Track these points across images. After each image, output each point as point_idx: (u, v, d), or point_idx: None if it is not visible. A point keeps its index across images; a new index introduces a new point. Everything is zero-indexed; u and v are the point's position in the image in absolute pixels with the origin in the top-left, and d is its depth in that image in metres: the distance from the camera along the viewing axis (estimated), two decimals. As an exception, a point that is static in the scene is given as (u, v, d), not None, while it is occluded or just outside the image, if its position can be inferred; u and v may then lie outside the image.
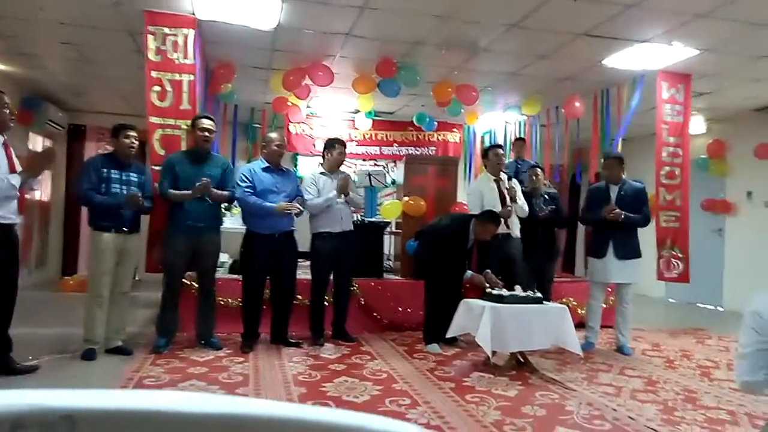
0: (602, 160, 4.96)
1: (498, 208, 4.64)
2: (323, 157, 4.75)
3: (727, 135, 7.59)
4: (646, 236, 5.17)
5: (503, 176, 4.85)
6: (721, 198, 7.67)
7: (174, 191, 4.06)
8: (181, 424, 0.40)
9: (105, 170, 3.92)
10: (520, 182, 5.10)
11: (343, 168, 4.83)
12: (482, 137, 8.38)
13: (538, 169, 5.25)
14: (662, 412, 3.13)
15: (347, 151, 4.95)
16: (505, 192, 4.70)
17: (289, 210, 4.24)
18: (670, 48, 4.99)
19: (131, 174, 4.01)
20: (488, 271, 4.33)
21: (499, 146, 5.00)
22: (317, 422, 0.43)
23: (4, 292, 3.33)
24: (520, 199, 4.77)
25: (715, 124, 7.69)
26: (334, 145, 4.67)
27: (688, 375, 4.00)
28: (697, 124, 7.42)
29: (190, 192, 4.00)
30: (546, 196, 5.17)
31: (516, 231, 4.75)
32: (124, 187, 3.95)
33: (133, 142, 4.04)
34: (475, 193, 4.90)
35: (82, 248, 7.81)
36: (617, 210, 4.51)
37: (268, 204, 4.23)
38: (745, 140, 7.22)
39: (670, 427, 2.89)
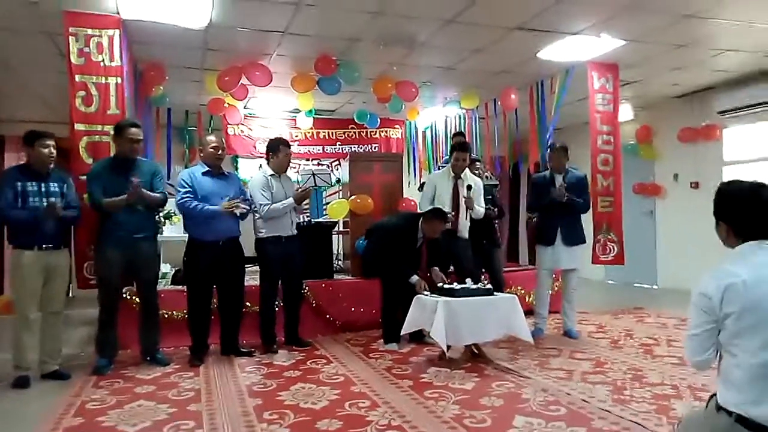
0: (548, 150, 5.09)
1: (448, 206, 4.66)
2: (267, 159, 4.61)
3: (653, 121, 8.00)
4: (583, 222, 5.37)
5: (466, 180, 4.74)
6: (651, 181, 8.08)
7: (108, 199, 3.80)
8: None
9: (20, 183, 3.60)
10: None
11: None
12: (423, 132, 8.45)
13: (477, 163, 5.33)
14: (612, 392, 3.24)
15: None
16: (462, 197, 4.66)
17: (234, 208, 4.07)
18: (599, 39, 5.19)
19: (51, 184, 3.71)
20: (435, 268, 4.33)
21: (463, 149, 4.83)
22: None
23: None
24: (479, 206, 4.76)
25: (642, 111, 8.09)
26: (278, 146, 4.54)
27: (633, 354, 4.17)
28: (625, 112, 7.76)
29: (125, 197, 3.77)
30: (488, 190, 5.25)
31: (465, 233, 4.77)
32: (44, 199, 3.64)
33: (51, 152, 3.72)
34: (430, 185, 4.90)
35: (6, 266, 7.27)
36: (563, 191, 4.65)
37: (211, 207, 4.06)
38: (670, 125, 7.63)
39: (621, 406, 3.00)
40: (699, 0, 4.32)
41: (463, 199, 4.66)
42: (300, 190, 4.50)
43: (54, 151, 3.75)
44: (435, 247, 4.53)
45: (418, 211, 4.96)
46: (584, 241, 4.89)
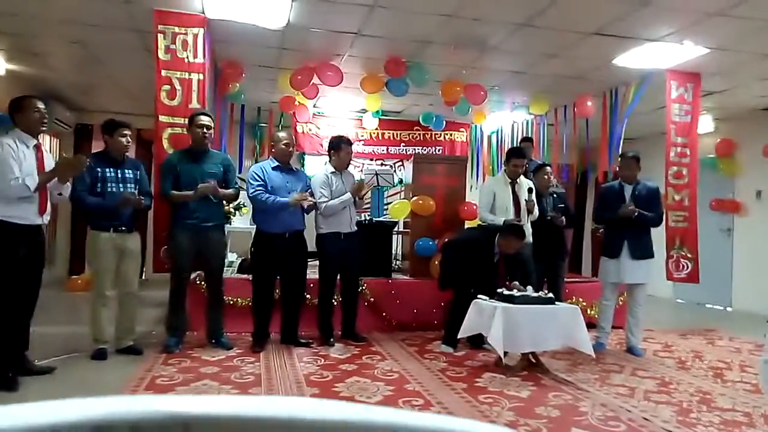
0: (618, 159, 4.93)
1: (510, 211, 4.62)
2: (329, 156, 4.72)
3: (735, 134, 7.55)
4: (655, 236, 5.14)
5: (524, 184, 4.72)
6: (730, 198, 7.63)
7: (176, 192, 4.04)
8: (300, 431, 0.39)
9: (99, 170, 3.88)
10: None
11: (350, 168, 4.82)
12: (489, 137, 8.37)
13: (548, 168, 5.23)
14: (677, 413, 3.10)
15: (354, 150, 4.93)
16: (524, 200, 4.63)
17: (303, 201, 4.20)
18: (681, 47, 4.97)
19: (126, 171, 3.97)
20: (515, 282, 4.20)
21: (521, 155, 4.83)
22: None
23: (27, 292, 3.34)
24: (536, 208, 4.73)
25: (724, 123, 7.65)
26: (340, 144, 4.64)
27: (701, 376, 3.97)
28: (706, 123, 7.38)
29: (191, 193, 3.98)
30: (555, 196, 5.15)
31: (529, 237, 4.69)
32: (120, 185, 3.91)
33: (128, 140, 4.01)
34: (487, 192, 4.86)
35: (87, 247, 7.80)
36: (632, 206, 4.49)
37: (282, 198, 4.22)
38: (754, 139, 7.17)
39: (686, 428, 2.87)
40: (795, 6, 4.06)
41: (524, 203, 4.59)
42: (356, 183, 4.54)
43: (130, 140, 4.03)
44: (512, 262, 4.46)
45: (479, 218, 4.93)
46: (652, 256, 4.68)
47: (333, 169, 4.63)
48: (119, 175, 3.93)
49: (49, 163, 3.46)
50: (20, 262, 3.23)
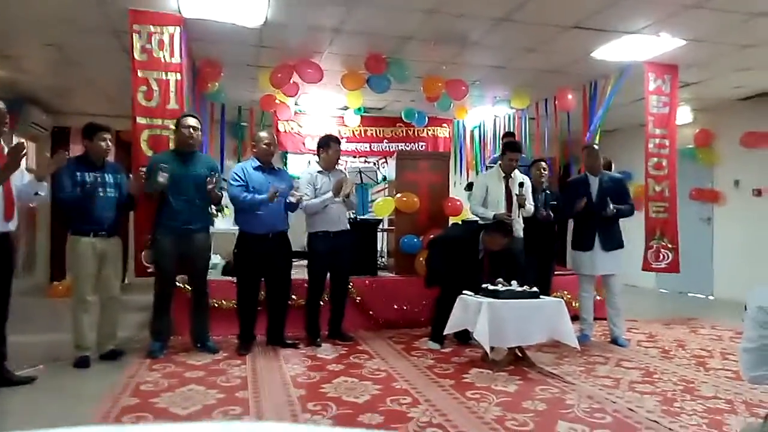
0: (582, 151, 4.94)
1: (502, 206, 4.61)
2: (318, 155, 4.69)
3: (713, 124, 7.66)
4: (634, 227, 5.19)
5: (517, 179, 4.68)
6: (709, 187, 7.74)
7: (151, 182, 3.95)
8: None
9: (79, 174, 3.81)
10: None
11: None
12: (472, 131, 8.39)
13: (542, 163, 5.23)
14: (662, 403, 3.14)
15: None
16: (515, 195, 4.60)
17: (278, 193, 4.11)
18: (658, 39, 5.01)
19: (106, 175, 3.91)
20: (499, 279, 4.18)
21: (516, 149, 4.77)
22: None
23: None
24: (529, 203, 4.68)
25: (702, 113, 7.76)
26: (329, 143, 4.62)
27: (684, 365, 4.03)
28: (684, 114, 7.47)
29: (161, 180, 3.88)
30: (548, 192, 5.14)
31: (520, 232, 4.69)
32: (100, 189, 3.84)
33: (108, 144, 3.94)
34: (480, 186, 4.83)
35: (67, 252, 7.68)
36: (611, 207, 4.53)
37: (260, 196, 4.17)
38: (732, 129, 7.28)
39: (670, 418, 2.91)
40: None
41: (516, 197, 4.58)
42: (335, 182, 4.48)
43: (111, 144, 3.95)
44: (497, 259, 4.45)
45: (471, 211, 4.92)
46: (622, 246, 4.74)
47: (320, 168, 4.60)
48: (99, 179, 3.86)
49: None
50: None
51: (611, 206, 4.53)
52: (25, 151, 3.33)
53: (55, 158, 3.55)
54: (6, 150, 3.33)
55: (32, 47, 5.36)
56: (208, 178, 4.01)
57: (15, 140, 7.11)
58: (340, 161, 5.01)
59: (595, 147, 4.84)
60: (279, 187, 4.22)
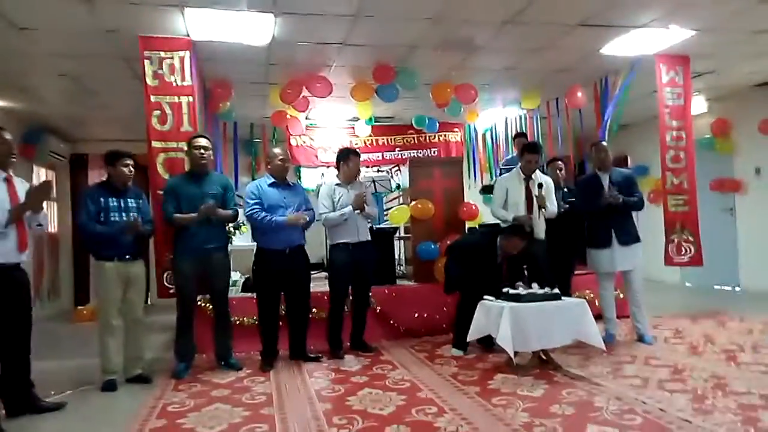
0: (591, 149, 4.87)
1: (522, 208, 4.56)
2: (337, 168, 4.72)
3: (729, 113, 7.53)
4: (654, 221, 5.10)
5: (537, 180, 4.60)
6: (729, 177, 7.61)
7: (179, 215, 4.04)
8: None
9: (102, 199, 3.87)
10: None
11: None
12: (483, 134, 8.37)
13: (560, 162, 5.18)
14: (693, 401, 3.08)
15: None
16: (534, 196, 4.53)
17: (299, 221, 4.20)
18: (667, 31, 4.96)
19: (129, 200, 3.97)
20: (519, 283, 4.10)
21: (534, 150, 4.67)
22: None
23: (17, 334, 3.26)
24: (552, 204, 4.61)
25: (717, 102, 7.64)
26: (348, 156, 4.65)
27: (714, 361, 3.94)
28: (699, 104, 7.37)
29: (195, 215, 3.99)
30: (566, 190, 5.07)
31: (541, 234, 4.61)
32: (123, 214, 3.90)
33: (131, 170, 3.99)
34: (500, 187, 4.78)
35: (92, 278, 7.83)
36: (616, 193, 4.48)
37: (278, 218, 4.22)
38: (749, 117, 7.16)
39: (702, 416, 2.84)
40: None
41: (535, 199, 4.52)
42: (355, 197, 4.51)
43: (132, 170, 4.01)
44: (515, 262, 4.40)
45: (491, 213, 4.88)
46: (639, 240, 4.65)
47: (339, 181, 4.64)
48: (122, 205, 3.92)
49: (23, 195, 3.29)
50: (1, 304, 3.14)
51: (617, 194, 4.47)
52: (51, 193, 3.36)
53: (40, 188, 3.41)
54: (22, 182, 3.36)
55: (47, 78, 5.50)
56: (206, 206, 3.98)
57: (35, 170, 7.32)
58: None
59: (603, 143, 4.78)
60: (294, 205, 4.27)
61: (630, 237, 4.60)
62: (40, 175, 7.57)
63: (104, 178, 4.06)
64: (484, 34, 4.92)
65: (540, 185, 4.52)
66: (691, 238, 5.67)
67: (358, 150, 4.94)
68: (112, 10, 4.06)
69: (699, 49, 5.47)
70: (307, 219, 4.29)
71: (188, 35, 4.55)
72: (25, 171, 6.81)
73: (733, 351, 4.17)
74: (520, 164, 4.72)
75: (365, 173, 7.56)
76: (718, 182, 7.62)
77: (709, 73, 6.38)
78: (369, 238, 4.69)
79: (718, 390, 3.25)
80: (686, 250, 5.72)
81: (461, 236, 5.16)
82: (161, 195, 4.26)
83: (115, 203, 3.90)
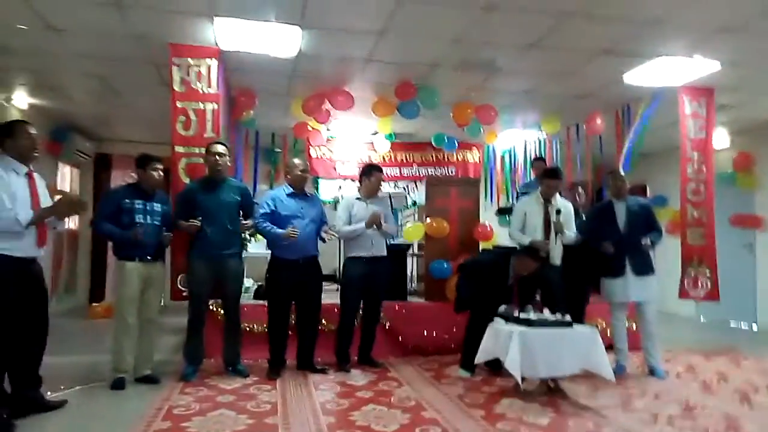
0: (608, 177, 4.83)
1: (540, 232, 4.53)
2: (360, 182, 4.77)
3: (752, 148, 7.44)
4: (670, 253, 5.03)
5: (557, 205, 4.56)
6: (750, 213, 7.49)
7: (183, 222, 4.09)
8: None
9: (128, 201, 3.95)
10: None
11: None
12: (502, 156, 8.36)
13: (579, 188, 5.15)
14: (702, 439, 3.02)
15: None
16: (552, 222, 4.50)
17: (292, 236, 4.19)
18: (692, 62, 4.94)
19: (155, 204, 4.06)
20: (529, 306, 4.09)
21: (555, 176, 4.63)
22: None
23: (32, 329, 3.28)
24: (569, 230, 4.57)
25: (740, 137, 7.55)
26: (371, 171, 4.70)
27: (728, 399, 3.86)
28: (721, 138, 7.30)
29: (196, 223, 4.04)
30: (584, 217, 5.02)
31: (557, 260, 4.56)
32: (148, 216, 3.99)
33: (160, 174, 4.10)
34: (518, 211, 4.76)
35: (109, 275, 7.94)
36: (647, 242, 4.46)
37: (278, 230, 4.25)
38: (773, 153, 7.07)
39: (712, 456, 2.79)
40: (808, 21, 4.03)
41: (553, 224, 4.48)
42: (370, 216, 4.52)
43: (162, 174, 4.10)
44: (527, 285, 4.38)
45: (509, 236, 4.86)
46: (653, 271, 4.60)
47: (359, 195, 4.68)
48: (148, 208, 4.01)
49: (43, 191, 3.36)
50: (19, 298, 3.14)
51: (647, 242, 4.45)
52: (83, 211, 3.52)
53: (76, 204, 3.53)
54: (40, 178, 3.40)
55: (76, 79, 5.63)
56: (243, 223, 4.23)
57: (60, 167, 7.47)
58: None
59: (620, 172, 4.74)
60: (312, 214, 4.32)
61: (645, 267, 4.55)
62: (64, 172, 7.72)
63: (133, 180, 4.15)
64: (507, 57, 4.95)
65: (558, 211, 4.49)
66: (708, 273, 5.59)
67: (380, 166, 4.96)
68: (144, 17, 4.16)
69: (724, 82, 5.44)
70: (297, 233, 4.24)
71: (216, 44, 4.64)
72: (50, 167, 6.96)
73: (748, 391, 4.08)
74: (540, 189, 4.71)
75: (382, 188, 7.60)
76: (739, 218, 7.50)
77: (733, 107, 6.33)
78: (384, 253, 4.69)
79: (730, 430, 3.18)
80: (702, 285, 5.63)
81: (474, 255, 5.14)
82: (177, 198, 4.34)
83: (141, 206, 3.99)
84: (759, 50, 4.63)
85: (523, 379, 3.73)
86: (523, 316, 3.93)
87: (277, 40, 4.56)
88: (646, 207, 4.74)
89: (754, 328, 7.27)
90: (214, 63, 4.68)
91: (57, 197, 3.62)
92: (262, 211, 4.34)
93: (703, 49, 4.65)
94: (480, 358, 4.08)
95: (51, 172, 7.05)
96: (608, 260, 4.62)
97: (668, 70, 5.11)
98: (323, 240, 4.45)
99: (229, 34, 4.46)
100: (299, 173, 4.43)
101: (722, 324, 7.53)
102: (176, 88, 4.61)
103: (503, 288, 4.40)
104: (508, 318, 4.03)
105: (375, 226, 4.49)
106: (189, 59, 4.63)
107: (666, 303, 5.60)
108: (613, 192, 4.70)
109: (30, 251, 3.23)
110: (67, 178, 7.88)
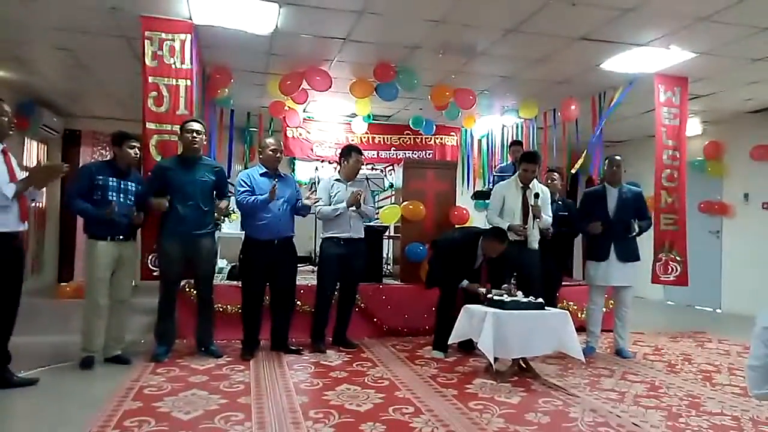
0: (606, 163, 4.91)
1: (518, 217, 4.55)
2: (339, 164, 4.73)
3: (723, 137, 7.62)
4: (643, 239, 5.12)
5: (535, 189, 4.56)
6: (718, 200, 7.69)
7: (154, 199, 4.00)
8: None
9: (101, 177, 3.86)
10: None
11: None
12: (479, 140, 8.39)
13: (555, 174, 5.19)
14: (667, 418, 3.11)
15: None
16: (530, 206, 4.51)
17: (273, 195, 4.15)
18: (667, 51, 5.00)
19: (129, 183, 3.97)
20: (505, 286, 4.17)
21: (533, 160, 4.64)
22: None
23: (5, 304, 3.26)
24: (546, 215, 4.59)
25: (711, 126, 7.73)
26: (350, 152, 4.66)
27: (691, 380, 3.99)
28: (693, 126, 7.45)
29: (164, 201, 3.96)
30: (559, 202, 5.05)
31: (534, 243, 4.57)
32: (121, 195, 3.90)
33: (136, 153, 4.02)
34: (497, 195, 4.77)
35: (78, 254, 7.77)
36: (635, 228, 4.57)
37: (262, 196, 4.19)
38: (742, 142, 7.26)
39: (675, 433, 2.88)
40: (780, 12, 4.10)
41: (531, 208, 4.51)
42: (351, 194, 4.52)
43: (138, 153, 4.00)
44: (495, 266, 4.41)
45: (487, 220, 4.89)
46: (638, 258, 4.71)
47: (338, 177, 4.65)
48: (122, 186, 3.92)
49: (17, 168, 3.32)
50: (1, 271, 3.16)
51: (635, 227, 4.56)
52: (62, 174, 3.43)
53: (54, 169, 3.49)
54: (18, 158, 3.35)
55: (45, 51, 5.43)
56: (218, 206, 4.19)
57: (26, 142, 7.23)
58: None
59: (617, 158, 4.77)
60: (286, 194, 4.26)
61: (630, 254, 4.64)
62: (31, 148, 7.48)
63: (109, 157, 4.05)
64: (487, 41, 4.93)
65: (537, 195, 4.52)
66: (678, 258, 5.73)
67: (360, 148, 4.92)
68: (116, -13, 4.02)
69: (697, 71, 5.53)
70: (311, 202, 4.34)
71: (191, 18, 4.52)
72: (16, 143, 6.72)
73: (710, 372, 4.22)
74: (518, 173, 4.73)
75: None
76: (707, 204, 7.71)
77: (706, 96, 6.45)
78: (362, 235, 4.69)
79: (692, 409, 3.29)
80: (673, 269, 5.78)
81: (446, 232, 5.12)
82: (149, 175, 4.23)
83: (115, 183, 3.90)
84: (732, 42, 4.70)
85: (495, 359, 3.79)
86: (496, 297, 3.98)
87: (254, 16, 4.46)
88: (639, 195, 4.80)
89: (718, 311, 7.51)
90: (188, 38, 4.55)
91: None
92: (242, 189, 4.26)
93: (679, 39, 4.71)
94: (453, 338, 4.14)
95: (17, 147, 6.81)
96: (594, 243, 4.70)
97: (644, 58, 5.17)
98: (306, 209, 4.39)
99: (204, 7, 4.34)
100: (270, 153, 4.35)
101: (688, 308, 7.76)
102: (148, 62, 4.47)
103: (471, 268, 4.44)
104: (471, 294, 4.07)
105: (355, 206, 4.47)
106: (162, 33, 4.49)
107: (636, 286, 5.69)
108: (607, 177, 4.76)
109: (14, 226, 3.21)
110: (33, 154, 7.63)
